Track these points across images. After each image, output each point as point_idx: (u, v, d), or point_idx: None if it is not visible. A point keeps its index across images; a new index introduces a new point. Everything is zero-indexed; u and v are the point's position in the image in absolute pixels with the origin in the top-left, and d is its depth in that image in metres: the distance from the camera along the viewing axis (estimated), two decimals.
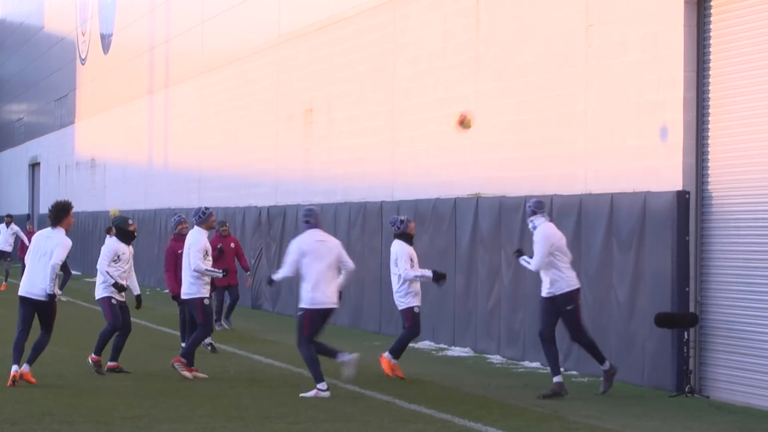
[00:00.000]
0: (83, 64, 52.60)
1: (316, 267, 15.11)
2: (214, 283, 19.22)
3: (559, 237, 15.59)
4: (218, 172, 34.32)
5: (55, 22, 59.10)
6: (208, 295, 17.29)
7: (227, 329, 23.89)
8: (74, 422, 12.66)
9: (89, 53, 51.28)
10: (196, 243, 17.13)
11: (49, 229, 16.23)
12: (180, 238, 19.51)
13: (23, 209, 64.09)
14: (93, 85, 50.66)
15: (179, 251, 18.90)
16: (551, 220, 16.05)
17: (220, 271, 17.60)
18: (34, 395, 14.57)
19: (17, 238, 36.48)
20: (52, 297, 15.75)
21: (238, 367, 17.97)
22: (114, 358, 17.18)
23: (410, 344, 21.55)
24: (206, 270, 17.07)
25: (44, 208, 59.51)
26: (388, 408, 14.15)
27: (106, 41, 48.20)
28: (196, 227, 17.40)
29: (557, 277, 15.40)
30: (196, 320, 17.24)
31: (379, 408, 14.14)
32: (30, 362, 15.72)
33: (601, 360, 15.62)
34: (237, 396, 14.86)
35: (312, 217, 15.46)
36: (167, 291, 21.15)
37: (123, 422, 12.74)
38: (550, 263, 15.39)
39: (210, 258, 17.36)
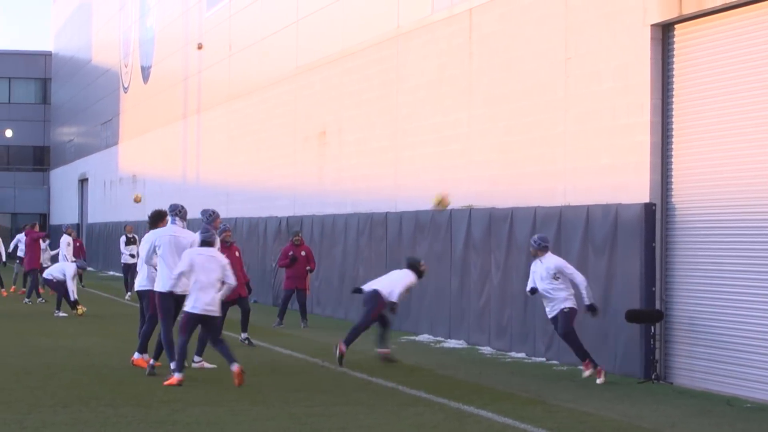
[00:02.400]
0: (126, 93, 52.66)
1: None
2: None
3: (159, 238, 15.17)
4: (243, 187, 34.32)
5: (101, 56, 59.19)
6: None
7: (305, 328, 23.27)
8: (118, 405, 12.65)
9: (131, 83, 51.35)
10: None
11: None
12: (223, 244, 18.78)
13: (73, 219, 64.13)
14: (134, 111, 50.72)
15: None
16: (185, 226, 15.47)
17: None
18: (83, 382, 14.56)
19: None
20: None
21: (261, 357, 17.93)
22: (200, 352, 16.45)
23: (411, 337, 21.61)
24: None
25: (92, 218, 59.56)
26: (393, 393, 14.12)
27: (146, 72, 48.26)
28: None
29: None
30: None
31: (384, 393, 14.11)
32: (199, 353, 16.18)
33: (199, 353, 15.47)
34: (260, 383, 14.82)
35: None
36: None
37: (160, 405, 12.72)
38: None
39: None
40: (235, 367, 14.12)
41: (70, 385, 14.22)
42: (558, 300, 15.59)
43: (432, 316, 21.48)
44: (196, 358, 16.27)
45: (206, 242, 14.80)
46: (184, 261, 14.67)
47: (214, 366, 16.12)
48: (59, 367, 15.95)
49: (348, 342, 17.05)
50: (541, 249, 15.79)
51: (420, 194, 22.61)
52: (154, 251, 15.33)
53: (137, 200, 36.43)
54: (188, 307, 14.57)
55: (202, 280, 14.52)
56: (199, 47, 33.91)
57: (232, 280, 14.79)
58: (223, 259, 14.90)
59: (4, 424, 11.31)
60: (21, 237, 35.28)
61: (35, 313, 26.69)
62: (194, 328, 14.68)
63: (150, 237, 15.64)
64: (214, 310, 14.62)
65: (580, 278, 15.62)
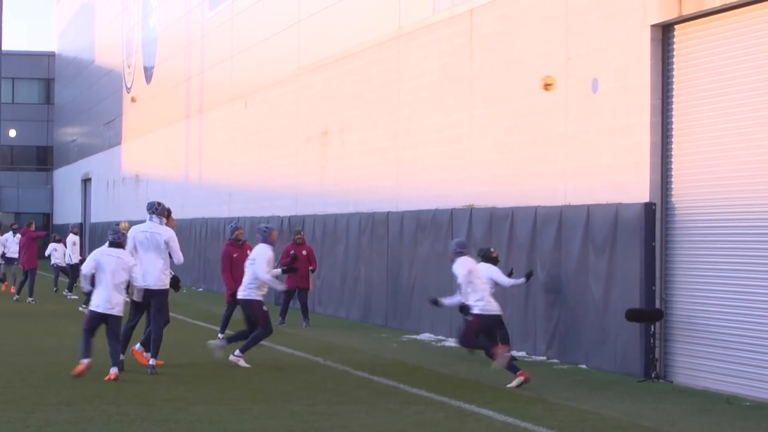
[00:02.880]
0: (129, 93, 52.67)
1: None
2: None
3: (137, 234, 15.68)
4: (245, 186, 34.33)
5: (104, 57, 59.19)
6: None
7: (307, 327, 23.26)
8: (120, 404, 12.66)
9: (134, 83, 51.35)
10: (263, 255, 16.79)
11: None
12: (235, 243, 19.52)
13: (76, 219, 64.13)
14: (137, 111, 50.72)
15: (234, 255, 18.97)
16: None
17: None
18: (86, 381, 14.56)
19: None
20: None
21: (263, 356, 17.92)
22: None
23: (413, 336, 21.62)
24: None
25: (95, 218, 59.56)
26: (394, 392, 14.13)
27: (148, 73, 48.26)
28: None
29: None
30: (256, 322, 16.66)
31: (386, 392, 14.12)
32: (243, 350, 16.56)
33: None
34: (262, 381, 14.84)
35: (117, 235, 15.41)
36: (202, 289, 21.00)
37: (162, 404, 12.73)
38: None
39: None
40: (84, 362, 14.57)
41: (73, 384, 14.23)
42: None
43: (433, 315, 21.48)
44: (237, 353, 16.49)
45: (114, 243, 15.09)
46: (90, 261, 15.08)
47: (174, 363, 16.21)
48: (63, 366, 15.95)
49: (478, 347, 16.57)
50: (455, 254, 15.24)
51: (421, 194, 22.62)
52: (135, 248, 15.58)
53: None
54: (92, 305, 14.92)
55: (107, 280, 14.83)
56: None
57: (139, 283, 15.19)
58: (130, 261, 15.15)
59: (8, 423, 11.33)
60: (9, 236, 35.24)
61: (39, 313, 26.70)
62: (96, 326, 14.89)
63: (130, 233, 15.91)
64: (117, 310, 14.92)
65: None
